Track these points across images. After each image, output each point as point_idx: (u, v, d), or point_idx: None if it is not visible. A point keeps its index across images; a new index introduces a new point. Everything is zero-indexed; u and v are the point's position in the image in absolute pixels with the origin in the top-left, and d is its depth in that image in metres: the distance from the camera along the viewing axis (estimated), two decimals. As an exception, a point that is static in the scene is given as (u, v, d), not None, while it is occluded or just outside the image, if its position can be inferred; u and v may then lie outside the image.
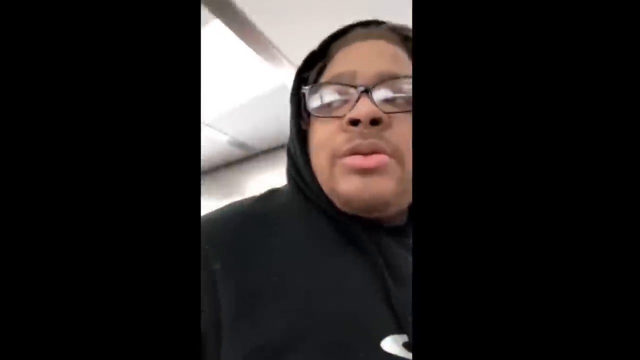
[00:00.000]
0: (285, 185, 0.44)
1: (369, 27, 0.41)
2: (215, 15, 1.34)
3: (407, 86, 0.35)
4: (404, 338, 0.29)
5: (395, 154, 0.34)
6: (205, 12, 1.32)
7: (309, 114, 0.39)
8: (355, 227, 0.35)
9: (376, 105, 0.34)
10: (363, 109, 0.33)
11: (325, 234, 0.36)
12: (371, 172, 0.33)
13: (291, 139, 0.42)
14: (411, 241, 0.39)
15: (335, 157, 0.35)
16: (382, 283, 0.32)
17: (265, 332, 0.28)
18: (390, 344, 0.29)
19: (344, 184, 0.34)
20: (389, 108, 0.35)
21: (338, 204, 0.36)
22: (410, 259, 0.36)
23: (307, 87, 0.38)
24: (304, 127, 0.41)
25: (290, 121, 0.42)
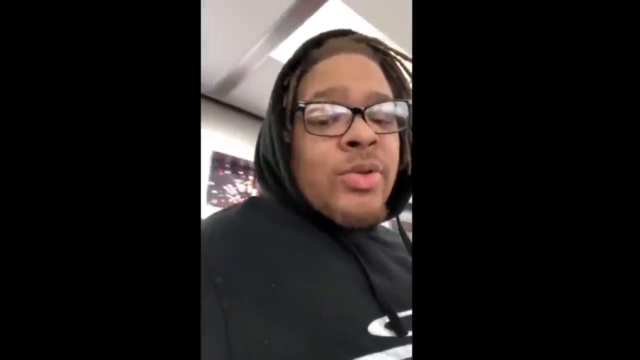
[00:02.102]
0: (263, 194, 0.45)
1: (344, 38, 0.43)
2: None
3: (392, 107, 0.39)
4: (385, 319, 0.33)
5: (384, 171, 0.38)
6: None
7: (291, 125, 0.40)
8: (337, 233, 0.39)
9: (369, 126, 0.37)
10: (362, 132, 0.36)
11: (310, 240, 0.38)
12: (368, 190, 0.37)
13: (272, 150, 0.41)
14: (381, 237, 0.45)
15: (335, 174, 0.37)
16: (364, 276, 0.36)
17: (277, 340, 0.30)
18: (376, 327, 0.32)
19: (344, 201, 0.37)
20: (378, 128, 0.38)
21: (335, 217, 0.38)
22: (383, 253, 0.42)
23: (303, 104, 0.38)
24: (287, 139, 0.41)
25: (272, 131, 0.41)
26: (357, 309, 0.33)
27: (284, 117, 0.41)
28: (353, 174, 0.36)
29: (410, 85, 0.42)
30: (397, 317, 0.33)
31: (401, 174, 0.44)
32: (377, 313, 0.33)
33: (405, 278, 0.40)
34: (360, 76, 0.39)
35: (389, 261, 0.41)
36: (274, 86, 0.42)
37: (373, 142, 0.37)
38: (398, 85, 0.43)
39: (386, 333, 0.32)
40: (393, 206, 0.44)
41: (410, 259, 0.44)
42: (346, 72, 0.39)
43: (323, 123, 0.38)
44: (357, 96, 0.38)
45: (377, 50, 0.43)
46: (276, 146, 0.40)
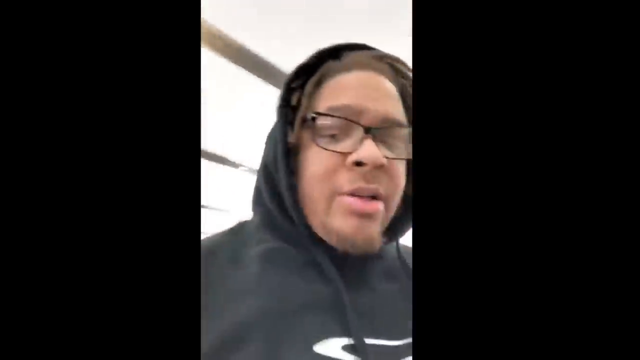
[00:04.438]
0: (254, 218, 0.44)
1: (364, 53, 0.41)
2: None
3: (405, 132, 0.38)
4: (346, 341, 0.32)
5: (386, 199, 0.37)
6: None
7: (300, 132, 0.39)
8: (320, 254, 0.37)
9: (379, 149, 0.35)
10: (370, 153, 0.34)
11: (285, 262, 0.38)
12: (367, 216, 0.35)
13: (274, 157, 0.39)
14: (388, 260, 0.43)
15: (335, 193, 0.36)
16: (335, 296, 0.35)
17: (214, 331, 0.31)
18: (326, 346, 0.32)
19: (341, 222, 0.36)
20: (388, 152, 0.37)
21: (329, 238, 0.37)
22: (381, 276, 0.41)
23: (314, 114, 0.37)
24: (290, 139, 0.39)
25: (275, 136, 0.40)
26: (309, 322, 0.32)
27: (288, 119, 0.39)
28: (354, 197, 0.35)
29: None
30: (362, 341, 0.32)
31: (405, 201, 0.42)
32: (339, 332, 0.33)
33: (396, 305, 0.38)
34: (378, 97, 0.38)
35: (383, 285, 0.40)
36: (282, 88, 0.41)
37: (380, 166, 0.35)
38: (410, 108, 0.41)
39: (343, 356, 0.32)
40: (392, 232, 0.42)
41: (409, 284, 0.42)
42: (364, 91, 0.38)
43: (332, 138, 0.37)
44: (372, 117, 0.36)
45: (398, 73, 0.42)
46: (279, 149, 0.38)
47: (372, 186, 0.35)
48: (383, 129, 0.36)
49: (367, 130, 0.36)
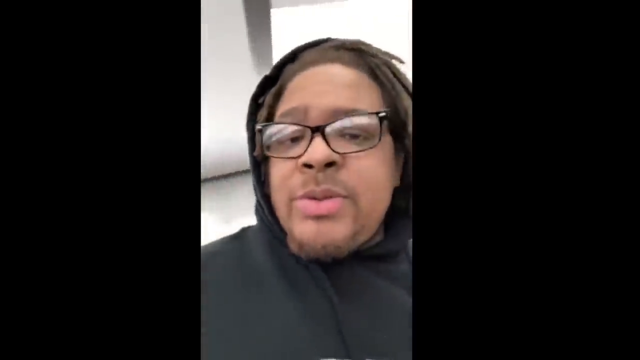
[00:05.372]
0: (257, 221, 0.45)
1: (320, 47, 0.40)
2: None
3: (364, 119, 0.35)
4: None
5: (350, 194, 0.34)
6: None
7: (262, 147, 0.38)
8: (311, 263, 0.36)
9: (329, 145, 0.33)
10: (316, 153, 0.33)
11: (284, 269, 0.36)
12: (325, 217, 0.33)
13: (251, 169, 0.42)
14: (387, 267, 0.39)
15: (291, 199, 0.35)
16: (332, 313, 0.33)
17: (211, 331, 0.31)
18: None
19: (299, 228, 0.35)
20: (343, 146, 0.34)
21: (292, 246, 0.36)
22: (376, 280, 0.37)
23: (260, 126, 0.37)
24: (258, 157, 0.40)
25: (249, 151, 0.41)
26: (306, 342, 0.31)
27: (254, 133, 0.39)
28: (305, 200, 0.34)
29: (401, 85, 0.38)
30: None
31: (397, 194, 0.39)
32: (338, 353, 0.30)
33: (403, 318, 0.34)
34: (324, 91, 0.35)
35: (390, 295, 0.36)
36: (249, 104, 0.41)
37: (332, 164, 0.33)
38: (389, 88, 0.38)
39: None
40: (395, 232, 0.40)
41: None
42: (310, 88, 0.36)
43: (292, 142, 0.36)
44: (318, 114, 0.34)
45: (363, 54, 0.39)
46: (250, 162, 0.40)
47: (324, 187, 0.33)
48: (333, 123, 0.34)
49: (315, 129, 0.34)
